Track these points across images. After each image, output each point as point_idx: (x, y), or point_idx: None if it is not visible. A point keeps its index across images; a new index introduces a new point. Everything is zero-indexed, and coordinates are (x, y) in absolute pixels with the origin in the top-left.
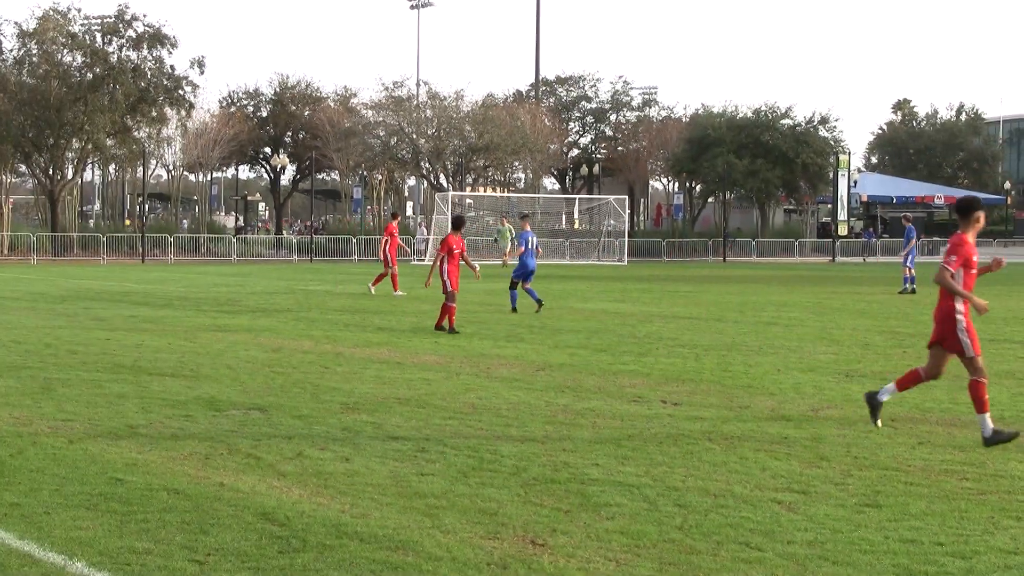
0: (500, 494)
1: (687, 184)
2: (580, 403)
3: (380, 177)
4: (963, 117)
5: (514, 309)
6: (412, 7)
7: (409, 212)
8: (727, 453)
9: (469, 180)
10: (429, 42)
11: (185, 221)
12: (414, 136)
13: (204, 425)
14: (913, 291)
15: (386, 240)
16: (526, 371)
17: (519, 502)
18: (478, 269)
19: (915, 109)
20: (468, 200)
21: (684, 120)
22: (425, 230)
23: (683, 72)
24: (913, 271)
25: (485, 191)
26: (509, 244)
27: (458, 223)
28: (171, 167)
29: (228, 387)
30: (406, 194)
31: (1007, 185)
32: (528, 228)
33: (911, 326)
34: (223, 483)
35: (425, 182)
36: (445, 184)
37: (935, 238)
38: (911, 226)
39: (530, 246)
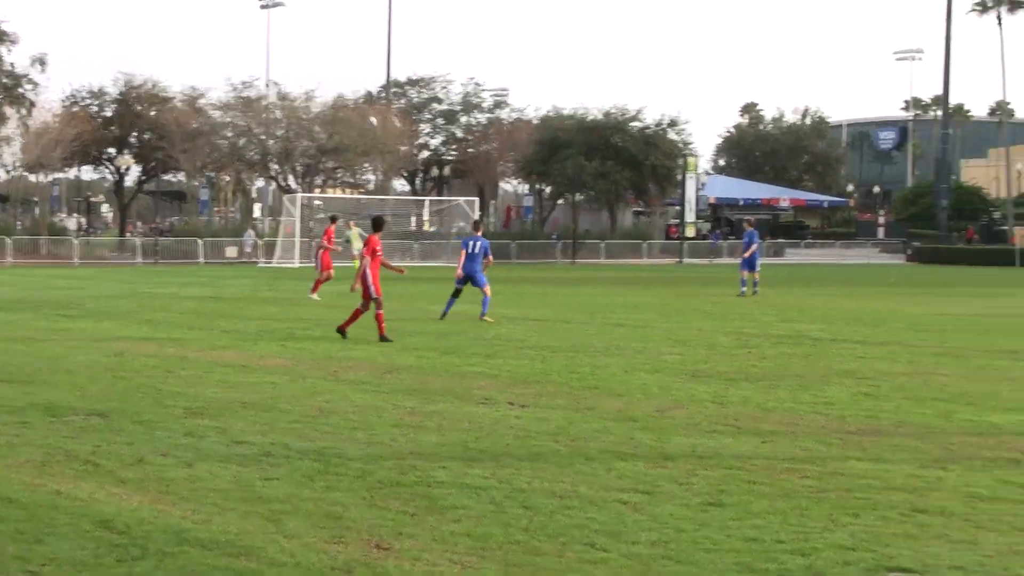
0: (345, 498)
1: (537, 186)
2: (428, 406)
3: (228, 178)
4: (808, 120)
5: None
6: (262, 7)
7: (257, 214)
8: (573, 454)
9: (319, 182)
10: (279, 42)
11: (20, 223)
12: (263, 137)
13: (41, 432)
14: (754, 293)
15: (322, 245)
16: (374, 374)
17: (364, 506)
18: (404, 269)
19: (762, 112)
20: (317, 202)
21: (535, 122)
22: (253, 232)
23: (534, 74)
24: (757, 275)
25: (335, 193)
26: (359, 247)
27: (379, 224)
28: (10, 167)
29: (67, 392)
30: (254, 196)
31: (850, 187)
32: (479, 233)
33: (756, 327)
34: (60, 491)
35: (274, 184)
36: (294, 186)
37: (780, 240)
38: (753, 231)
39: (471, 250)
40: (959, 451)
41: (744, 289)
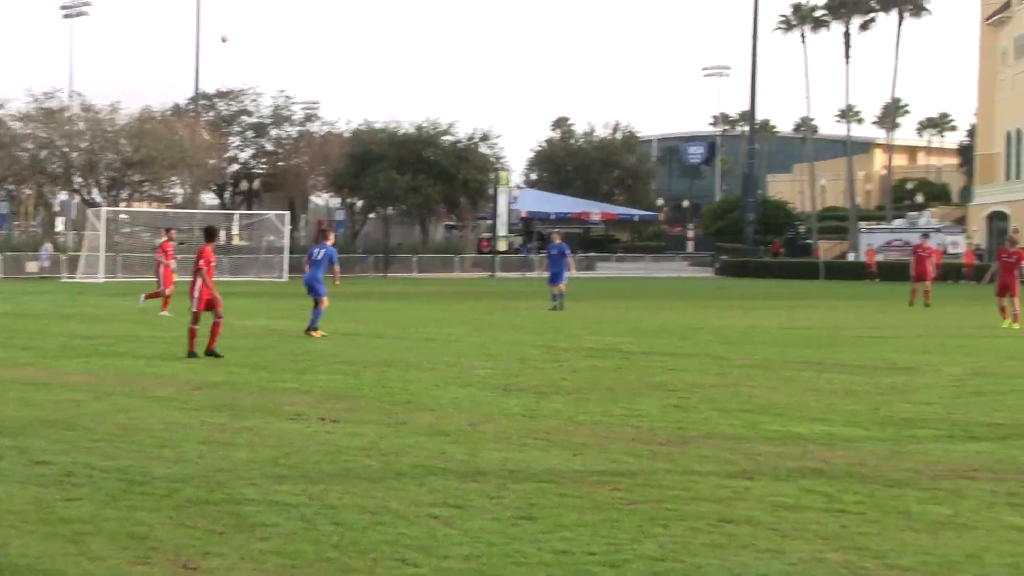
0: (151, 517)
1: (349, 199)
2: (237, 422)
3: (29, 192)
4: (619, 135)
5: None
6: (65, 16)
7: (59, 228)
8: (385, 469)
9: (124, 195)
10: (83, 52)
11: None
12: (66, 149)
13: None
14: (561, 307)
15: (160, 260)
16: (182, 390)
17: (171, 525)
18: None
19: (573, 127)
20: (123, 215)
21: (346, 135)
22: (51, 246)
23: (345, 87)
24: (563, 287)
25: (141, 206)
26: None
27: (212, 234)
28: None
29: None
30: (57, 209)
31: (660, 202)
32: (329, 242)
33: (567, 340)
34: None
35: (77, 197)
36: (99, 199)
37: (591, 254)
38: (563, 243)
39: (315, 258)
40: (765, 461)
41: (555, 303)
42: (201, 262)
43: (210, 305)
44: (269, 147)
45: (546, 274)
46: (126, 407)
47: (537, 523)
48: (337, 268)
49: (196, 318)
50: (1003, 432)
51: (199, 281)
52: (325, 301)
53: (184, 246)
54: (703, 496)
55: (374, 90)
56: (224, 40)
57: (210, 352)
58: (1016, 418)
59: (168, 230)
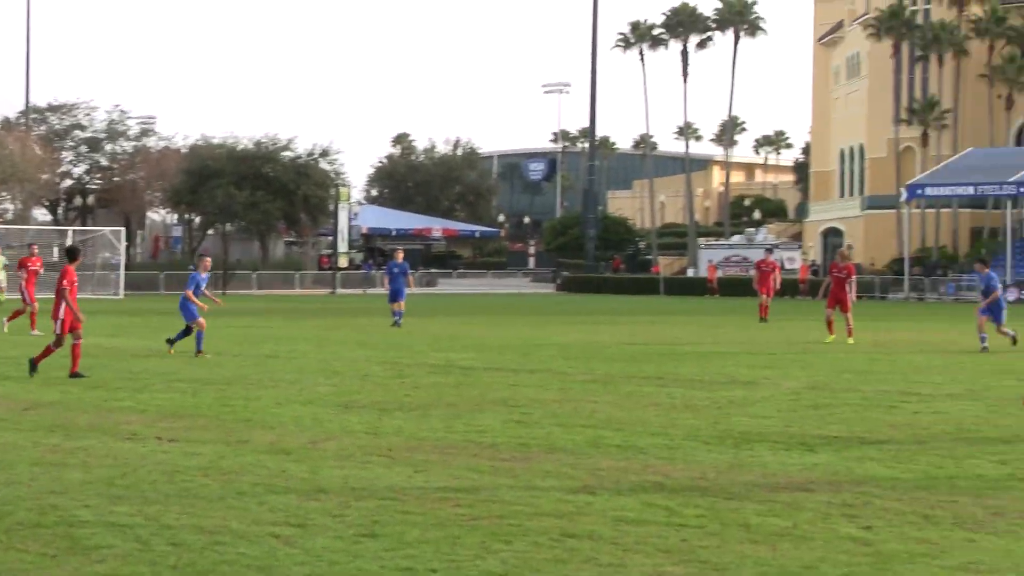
0: None
1: (186, 215)
2: (71, 442)
3: None
4: (459, 151)
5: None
6: None
7: None
8: (224, 488)
9: None
10: None
11: None
12: None
13: None
14: (399, 325)
15: (26, 276)
16: (12, 410)
17: (2, 548)
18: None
19: (414, 143)
20: None
21: (184, 151)
22: None
23: (182, 102)
24: (403, 305)
25: None
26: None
27: (75, 254)
28: None
29: None
30: None
31: (501, 218)
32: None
33: (409, 356)
34: None
35: None
36: None
37: (433, 270)
38: (404, 262)
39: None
40: (607, 476)
41: (396, 320)
42: (64, 282)
43: (72, 327)
44: (104, 162)
45: (387, 291)
46: None
47: (380, 541)
48: (206, 291)
49: (60, 340)
50: (839, 444)
51: (63, 303)
52: (200, 323)
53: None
54: (545, 511)
55: (211, 105)
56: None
57: (75, 375)
58: (852, 430)
59: (31, 246)
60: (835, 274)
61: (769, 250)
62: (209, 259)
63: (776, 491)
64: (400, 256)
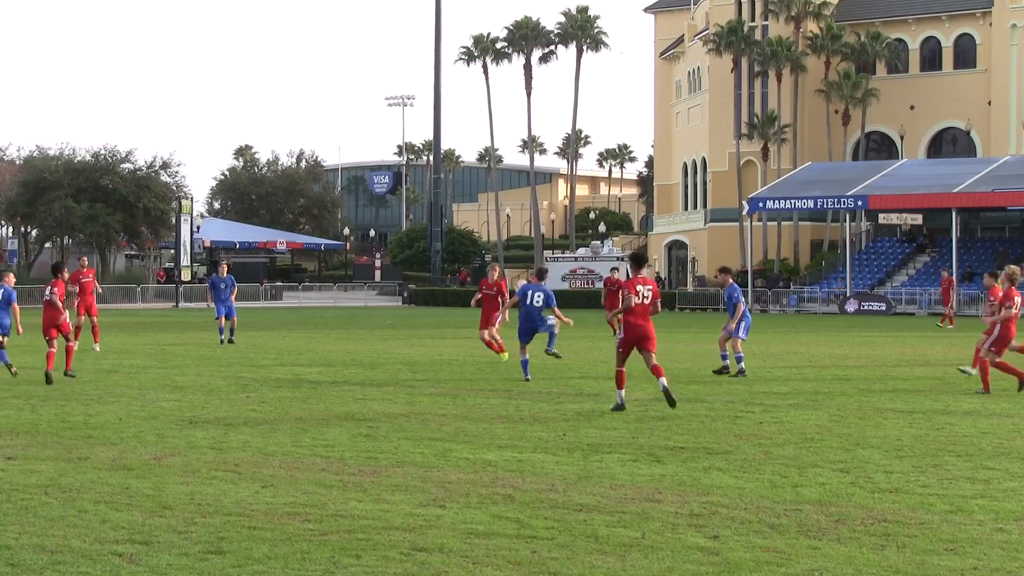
0: None
1: (23, 228)
2: None
3: None
4: (303, 164)
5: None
6: None
7: None
8: (65, 507)
9: None
10: None
11: None
12: None
13: None
14: (231, 341)
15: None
16: None
17: None
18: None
19: (257, 155)
20: None
21: (18, 162)
22: None
23: (16, 112)
24: (234, 319)
25: None
26: None
27: (59, 269)
28: None
29: None
30: None
31: (346, 231)
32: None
33: (255, 371)
34: None
35: None
36: None
37: (278, 283)
38: (228, 276)
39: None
40: (456, 489)
41: (222, 337)
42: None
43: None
44: None
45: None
46: None
47: (227, 557)
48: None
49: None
50: (685, 455)
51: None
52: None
53: None
54: (395, 525)
55: (47, 115)
56: None
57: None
58: (698, 441)
59: (80, 259)
60: (484, 291)
61: (615, 268)
62: (12, 275)
63: (625, 502)
64: (225, 270)
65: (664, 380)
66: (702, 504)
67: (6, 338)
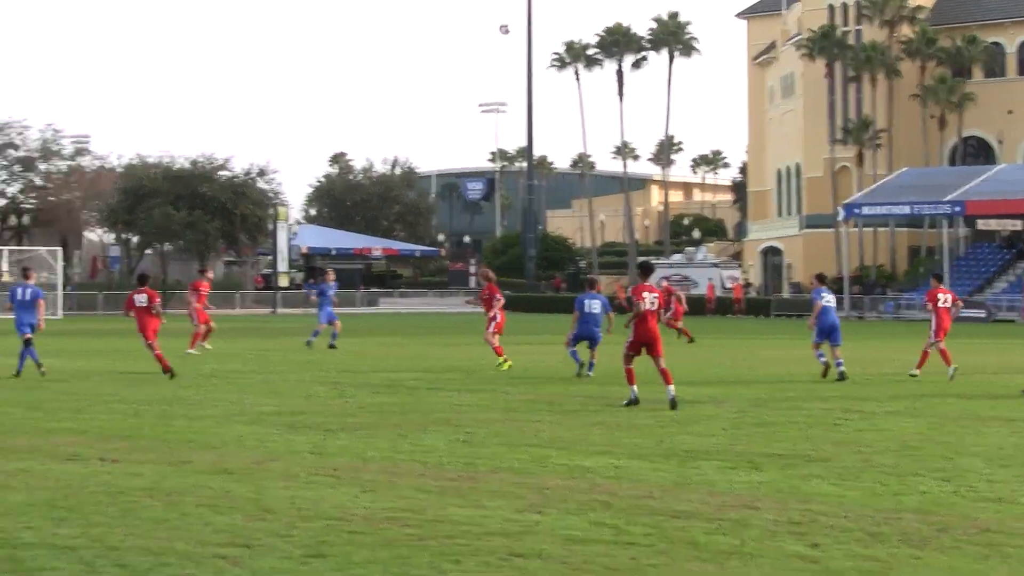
0: None
1: (124, 235)
2: (11, 464)
3: None
4: (398, 171)
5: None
6: None
7: None
8: (168, 509)
9: None
10: None
11: None
12: None
13: None
14: (333, 347)
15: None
16: None
17: None
18: None
19: (352, 162)
20: None
21: (119, 170)
22: None
23: (117, 121)
24: (338, 324)
25: None
26: None
27: (143, 279)
28: None
29: None
30: None
31: (441, 237)
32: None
33: (352, 376)
34: None
35: None
36: None
37: (374, 289)
38: (334, 283)
39: (21, 297)
40: (554, 495)
41: (312, 339)
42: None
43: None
44: (38, 181)
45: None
46: None
47: (327, 561)
48: (42, 308)
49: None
50: (784, 462)
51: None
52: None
53: None
54: (493, 531)
55: (147, 124)
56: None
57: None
58: (796, 448)
59: (203, 271)
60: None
61: (666, 278)
62: (35, 273)
63: (723, 509)
64: (331, 276)
65: (672, 388)
66: (801, 512)
67: (32, 335)
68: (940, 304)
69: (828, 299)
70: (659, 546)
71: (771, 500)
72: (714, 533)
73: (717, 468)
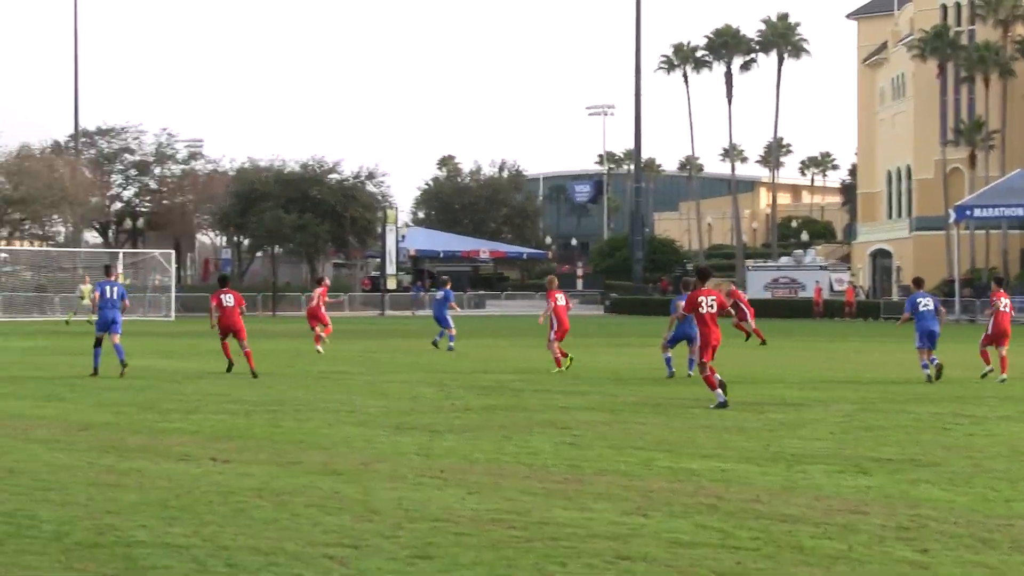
0: (39, 561)
1: (235, 238)
2: (125, 463)
3: None
4: (505, 173)
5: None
6: None
7: None
8: (278, 510)
9: (4, 233)
10: None
11: None
12: None
13: None
14: (450, 349)
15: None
16: (67, 431)
17: (60, 569)
18: None
19: (459, 165)
20: (3, 254)
21: (231, 174)
22: None
23: (228, 125)
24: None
25: (22, 245)
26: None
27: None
28: None
29: None
30: None
31: (548, 240)
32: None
33: (458, 378)
34: None
35: None
36: None
37: (480, 291)
38: (447, 290)
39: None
40: (659, 498)
41: (438, 339)
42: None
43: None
44: (153, 185)
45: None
46: (9, 449)
47: (434, 562)
48: (127, 302)
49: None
50: (893, 466)
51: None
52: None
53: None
54: (599, 533)
55: (258, 128)
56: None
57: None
58: (905, 452)
59: (320, 280)
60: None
61: (734, 281)
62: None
63: (830, 514)
64: (449, 283)
65: (720, 393)
66: (910, 517)
67: (118, 334)
68: (1001, 308)
69: (925, 303)
70: (766, 550)
71: (879, 505)
72: (821, 538)
73: (825, 472)
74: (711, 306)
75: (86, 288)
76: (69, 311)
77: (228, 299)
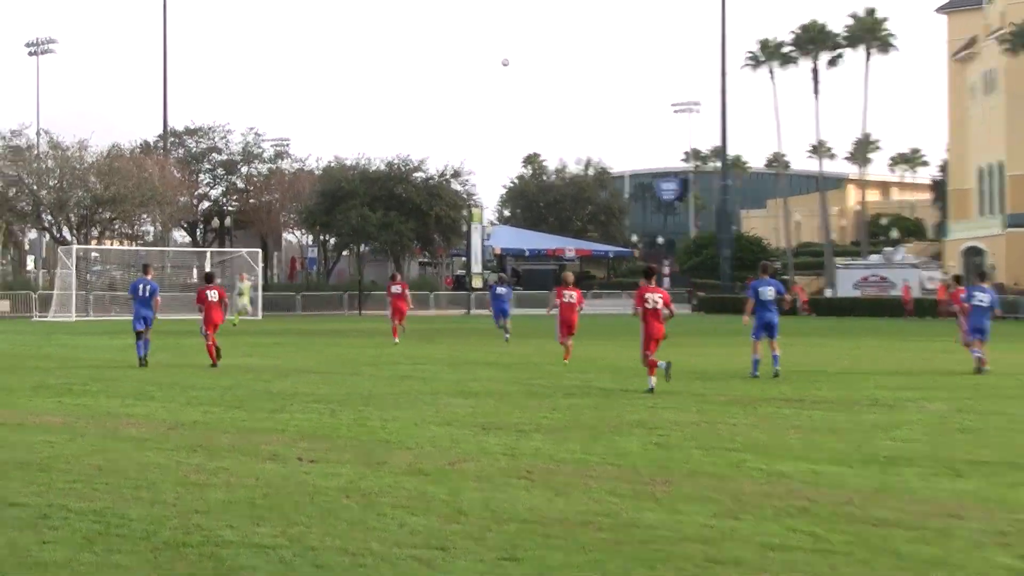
0: (129, 560)
1: (321, 237)
2: (213, 462)
3: None
4: (591, 171)
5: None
6: (31, 53)
7: (30, 267)
8: (365, 510)
9: (95, 233)
10: (50, 90)
11: None
12: (35, 187)
13: None
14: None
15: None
16: (156, 430)
17: (149, 568)
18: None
19: (545, 163)
20: (94, 254)
21: (317, 172)
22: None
23: (315, 124)
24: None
25: (112, 244)
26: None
27: (210, 278)
28: None
29: None
30: (27, 248)
31: (634, 238)
32: (149, 276)
33: (545, 377)
34: None
35: (47, 235)
36: (69, 237)
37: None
38: (504, 286)
39: (142, 294)
40: (750, 500)
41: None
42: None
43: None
44: (240, 184)
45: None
46: (100, 448)
47: (522, 564)
48: (158, 299)
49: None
50: (989, 470)
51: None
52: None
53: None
54: (689, 536)
55: (344, 126)
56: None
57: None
58: (1003, 455)
59: (393, 276)
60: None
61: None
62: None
63: (926, 518)
64: (498, 283)
65: (652, 380)
66: (1009, 522)
67: (149, 329)
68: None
69: (981, 298)
70: (860, 555)
71: (976, 509)
72: (917, 542)
73: (919, 475)
74: (656, 302)
75: (245, 285)
76: (235, 313)
77: (213, 295)
